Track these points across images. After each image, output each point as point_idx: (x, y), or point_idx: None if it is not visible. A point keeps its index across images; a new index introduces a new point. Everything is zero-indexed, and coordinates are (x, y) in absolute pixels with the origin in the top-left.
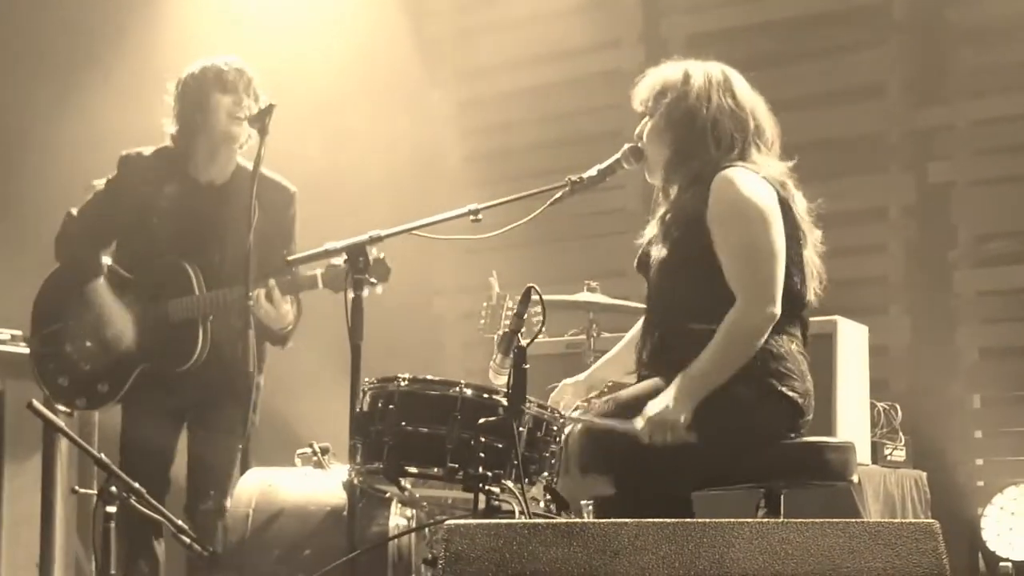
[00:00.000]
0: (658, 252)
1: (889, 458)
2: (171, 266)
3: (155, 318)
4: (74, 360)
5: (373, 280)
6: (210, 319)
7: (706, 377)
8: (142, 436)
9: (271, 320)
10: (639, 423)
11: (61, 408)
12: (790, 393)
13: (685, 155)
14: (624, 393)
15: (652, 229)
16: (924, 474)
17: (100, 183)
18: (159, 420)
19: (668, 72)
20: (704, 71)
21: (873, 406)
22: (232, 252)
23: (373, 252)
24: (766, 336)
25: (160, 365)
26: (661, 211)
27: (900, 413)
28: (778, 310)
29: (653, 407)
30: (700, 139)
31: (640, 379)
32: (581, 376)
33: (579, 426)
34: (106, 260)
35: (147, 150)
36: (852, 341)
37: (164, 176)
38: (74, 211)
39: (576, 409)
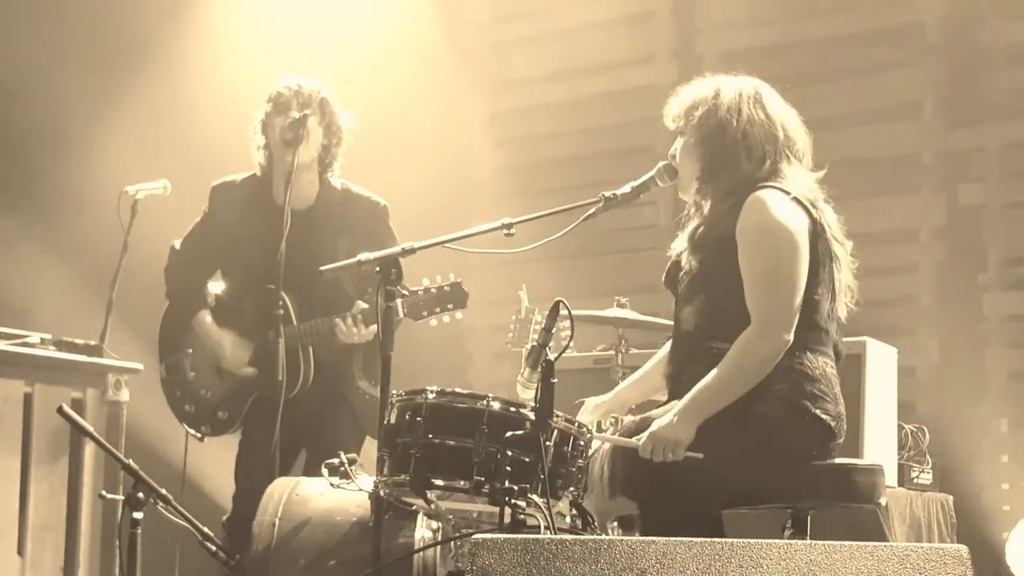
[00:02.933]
0: (687, 267)
1: (916, 481)
2: (268, 296)
3: (259, 347)
4: (195, 387)
5: (451, 305)
6: (310, 347)
7: (712, 398)
8: (258, 461)
9: (359, 339)
10: (642, 439)
11: (192, 432)
12: (823, 416)
13: (716, 167)
14: (655, 413)
15: (681, 243)
16: (950, 497)
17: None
18: (272, 454)
19: (699, 88)
20: (735, 85)
21: (901, 428)
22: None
23: (451, 276)
24: (776, 361)
25: (270, 392)
26: (692, 225)
27: (928, 436)
28: (791, 338)
29: (657, 423)
30: (731, 151)
31: (670, 396)
32: (607, 396)
33: (606, 447)
34: (214, 288)
35: (237, 177)
36: (881, 362)
37: (252, 204)
38: (177, 244)
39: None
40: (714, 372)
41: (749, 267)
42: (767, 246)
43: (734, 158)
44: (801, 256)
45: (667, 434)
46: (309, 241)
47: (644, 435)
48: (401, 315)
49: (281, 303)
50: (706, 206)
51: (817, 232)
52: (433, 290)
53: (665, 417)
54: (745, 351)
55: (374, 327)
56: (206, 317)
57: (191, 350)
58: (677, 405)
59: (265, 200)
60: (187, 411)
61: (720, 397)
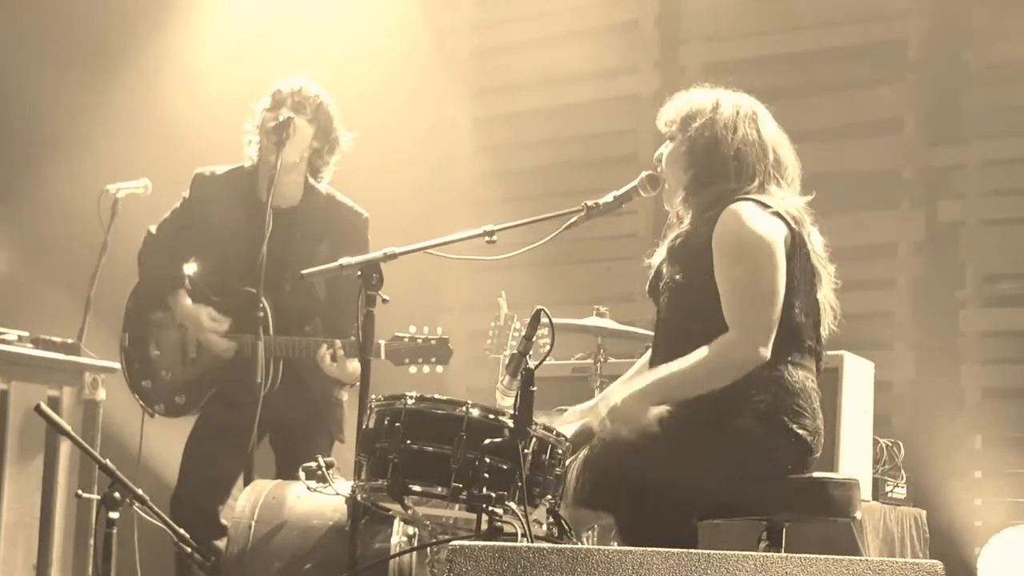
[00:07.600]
0: (668, 276)
1: (890, 495)
2: (245, 299)
3: (228, 347)
4: (157, 366)
5: (434, 359)
6: (281, 360)
7: (675, 388)
8: (210, 450)
9: (336, 375)
10: (601, 409)
11: (144, 408)
12: (800, 431)
13: (705, 181)
14: (613, 387)
15: (662, 252)
16: (924, 512)
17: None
18: (226, 440)
19: (698, 98)
20: (734, 102)
21: (876, 442)
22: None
23: (439, 331)
24: (748, 372)
25: (230, 392)
26: (672, 235)
27: (902, 450)
28: (768, 353)
29: (616, 395)
30: (722, 167)
31: None
32: (589, 404)
33: (581, 456)
34: (188, 271)
35: (220, 169)
36: (858, 376)
37: (234, 197)
38: (153, 229)
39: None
40: (684, 363)
41: (726, 279)
42: (743, 258)
43: (723, 174)
44: (778, 268)
45: (627, 411)
46: (289, 242)
47: (601, 405)
48: (382, 356)
49: (261, 307)
50: (688, 217)
51: (796, 245)
52: (419, 340)
53: (624, 390)
54: (719, 353)
55: (353, 365)
56: (184, 296)
57: (156, 329)
58: (636, 383)
59: (248, 195)
60: (143, 386)
61: (682, 389)
